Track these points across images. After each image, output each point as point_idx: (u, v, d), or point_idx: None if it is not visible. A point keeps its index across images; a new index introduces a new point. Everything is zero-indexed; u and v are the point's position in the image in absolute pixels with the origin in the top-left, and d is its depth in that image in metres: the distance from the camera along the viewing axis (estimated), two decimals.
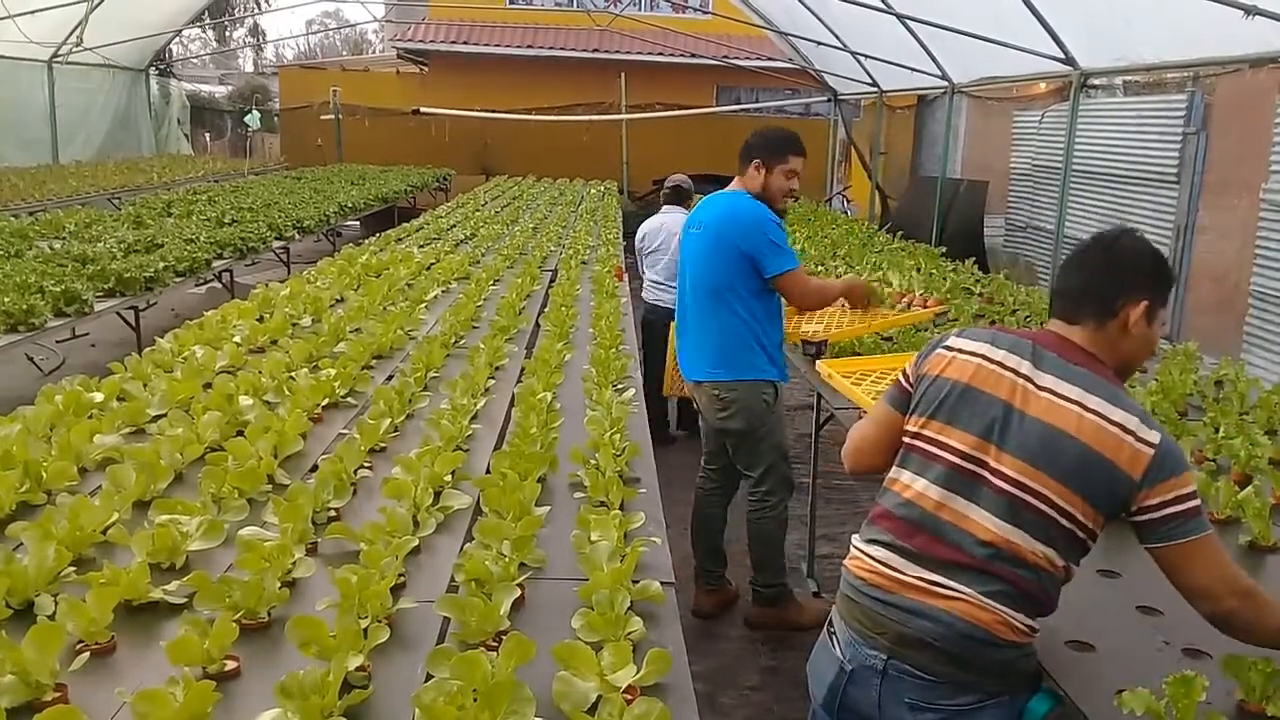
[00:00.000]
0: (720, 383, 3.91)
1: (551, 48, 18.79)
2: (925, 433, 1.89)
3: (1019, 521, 1.78)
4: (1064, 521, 1.78)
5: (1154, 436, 1.76)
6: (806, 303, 4.04)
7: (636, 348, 4.75)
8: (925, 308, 4.34)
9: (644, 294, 6.56)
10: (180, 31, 19.95)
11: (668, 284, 6.13)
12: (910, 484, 1.90)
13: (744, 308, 3.84)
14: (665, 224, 6.45)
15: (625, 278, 6.60)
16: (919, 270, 6.99)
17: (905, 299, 4.38)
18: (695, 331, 3.97)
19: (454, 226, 9.21)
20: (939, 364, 1.92)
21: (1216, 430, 3.53)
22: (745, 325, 3.87)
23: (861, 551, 1.94)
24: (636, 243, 6.68)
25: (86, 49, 13.69)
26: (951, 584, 1.81)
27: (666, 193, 6.78)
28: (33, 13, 11.87)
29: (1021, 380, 1.82)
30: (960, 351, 1.91)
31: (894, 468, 1.96)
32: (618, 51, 18.07)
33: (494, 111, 16.34)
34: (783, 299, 3.96)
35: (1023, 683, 1.87)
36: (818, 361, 3.90)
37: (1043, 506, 1.77)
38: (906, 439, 1.93)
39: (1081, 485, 1.76)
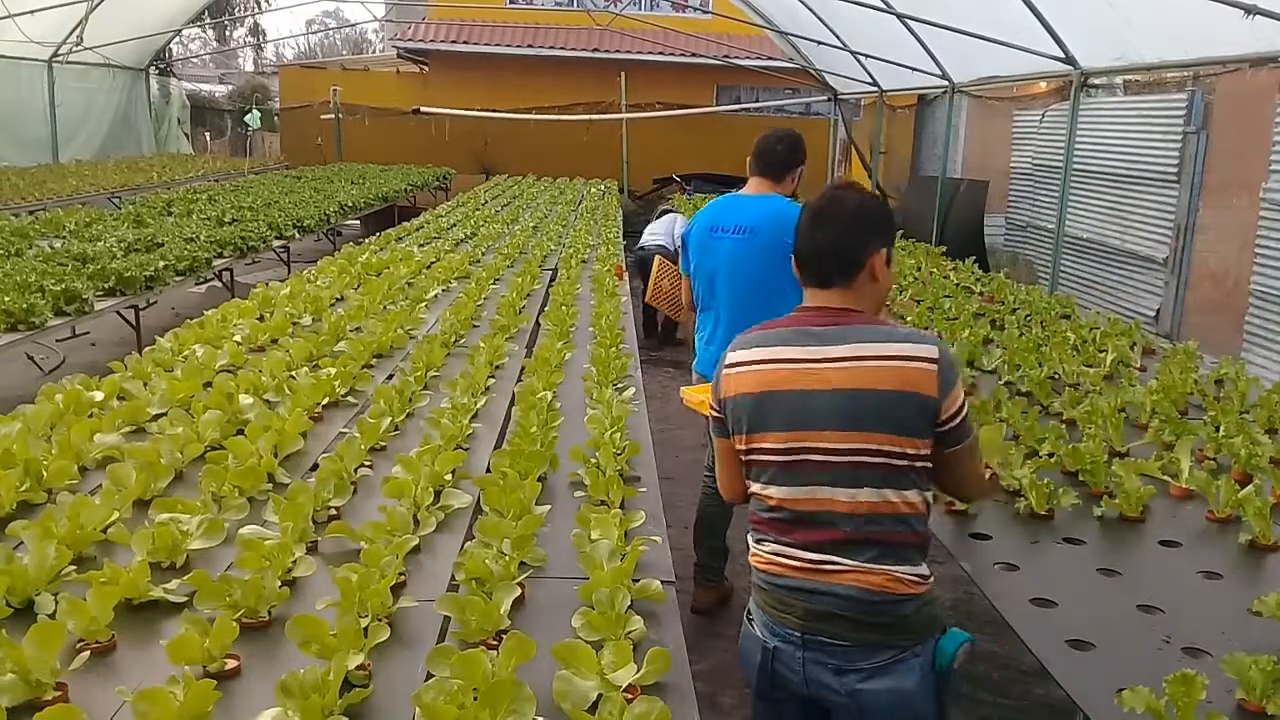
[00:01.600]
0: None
1: (551, 47, 18.78)
2: (751, 446, 1.99)
3: (861, 481, 1.90)
4: (899, 462, 1.89)
5: (930, 350, 1.89)
6: None
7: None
8: None
9: (641, 244, 8.78)
10: (180, 31, 19.96)
11: (661, 236, 8.71)
12: (764, 491, 2.00)
13: (784, 308, 3.86)
14: (665, 220, 8.96)
15: (625, 276, 6.60)
16: (919, 269, 7.00)
17: None
18: (736, 331, 3.91)
19: (454, 225, 9.21)
20: (730, 384, 2.02)
21: (1217, 429, 3.53)
22: None
23: (757, 550, 2.05)
24: (647, 231, 9.05)
25: (86, 48, 13.69)
26: (836, 559, 1.91)
27: (664, 212, 9.43)
28: (33, 12, 11.87)
29: (801, 365, 1.94)
30: (738, 365, 2.02)
31: (750, 482, 2.06)
32: (618, 51, 18.06)
33: (494, 111, 16.34)
34: None
35: (930, 630, 1.95)
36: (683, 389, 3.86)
37: (873, 459, 1.89)
38: (744, 458, 2.04)
39: (897, 425, 1.88)
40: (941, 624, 1.97)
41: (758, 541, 2.04)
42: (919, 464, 1.91)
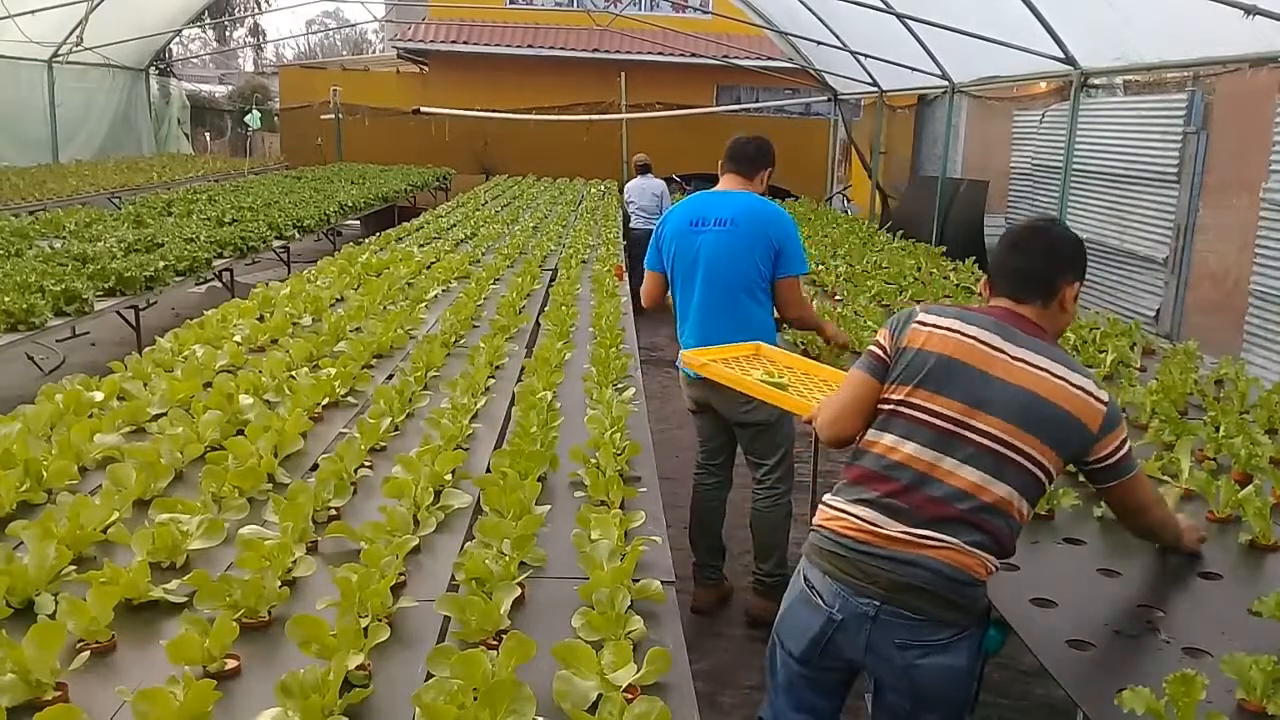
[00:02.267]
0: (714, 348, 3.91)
1: (551, 47, 18.78)
2: (912, 399, 2.07)
3: (1002, 475, 2.02)
4: (1037, 471, 2.03)
5: (1105, 396, 2.07)
6: (799, 311, 4.06)
7: (625, 255, 7.92)
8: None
9: (631, 224, 10.23)
10: (180, 31, 19.96)
11: (647, 215, 10.03)
12: (896, 446, 2.07)
13: (766, 301, 3.95)
14: (640, 184, 10.47)
15: (625, 277, 6.60)
16: (919, 269, 7.00)
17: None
18: (718, 327, 3.92)
19: (454, 226, 9.21)
20: (918, 337, 2.10)
21: (1217, 429, 3.53)
22: (768, 318, 3.99)
23: (845, 511, 2.10)
24: (625, 196, 10.62)
25: (86, 49, 13.70)
26: (940, 535, 2.00)
27: (639, 167, 10.83)
28: (33, 12, 11.87)
29: (995, 352, 2.05)
30: (935, 327, 2.11)
31: (872, 431, 2.13)
32: (618, 51, 18.06)
33: (494, 111, 16.34)
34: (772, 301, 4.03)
35: (984, 615, 2.10)
36: (681, 353, 3.87)
37: (1022, 460, 2.02)
38: (888, 405, 2.11)
39: (1054, 439, 2.02)
40: (990, 611, 2.10)
41: (851, 502, 2.09)
42: (1047, 482, 2.07)
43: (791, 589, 2.21)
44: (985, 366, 2.03)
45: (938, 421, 2.04)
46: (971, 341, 2.06)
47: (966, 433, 2.02)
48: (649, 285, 4.22)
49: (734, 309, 3.94)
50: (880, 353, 2.15)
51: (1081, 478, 3.09)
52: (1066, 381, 2.03)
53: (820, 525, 2.14)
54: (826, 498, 2.18)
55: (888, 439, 2.08)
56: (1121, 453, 2.09)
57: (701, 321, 4.00)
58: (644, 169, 10.71)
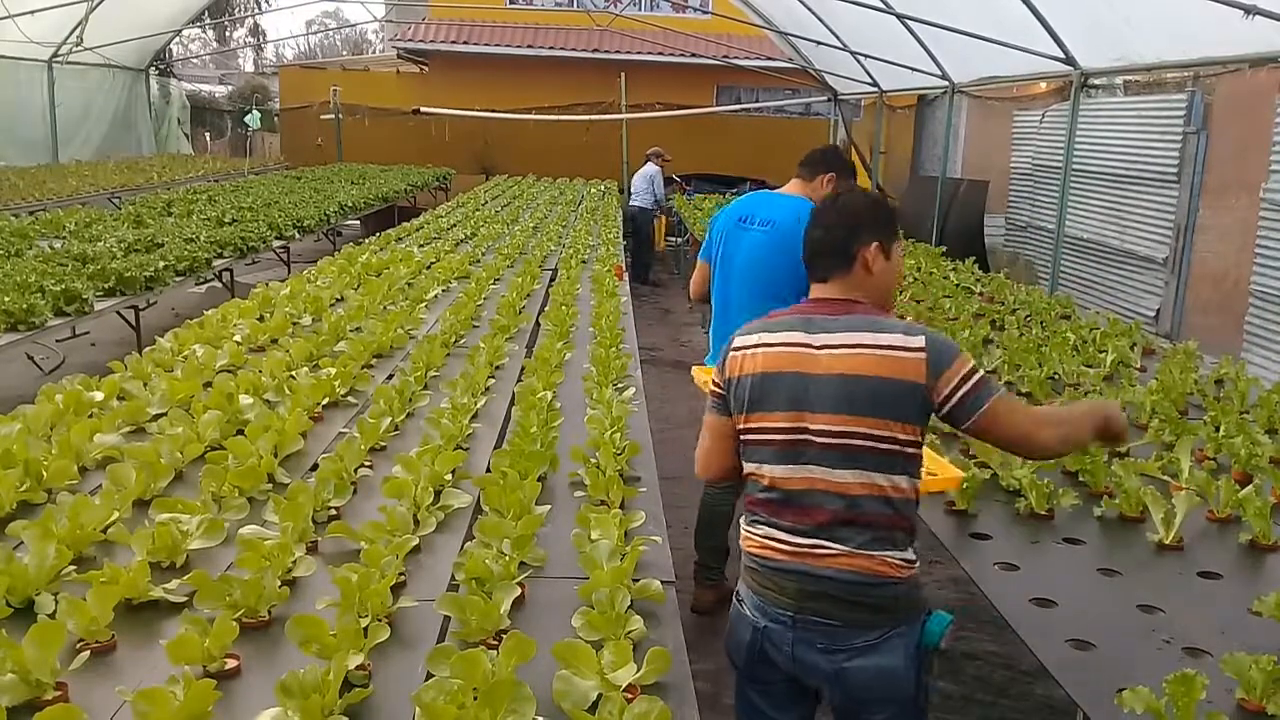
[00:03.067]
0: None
1: (551, 48, 18.77)
2: (750, 425, 2.09)
3: (854, 463, 1.99)
4: (887, 446, 1.98)
5: (919, 340, 1.99)
6: None
7: (624, 233, 10.05)
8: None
9: (634, 201, 12.14)
10: (180, 31, 19.95)
11: (646, 196, 12.09)
12: (760, 471, 2.09)
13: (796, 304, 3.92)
14: (644, 171, 12.18)
15: (625, 276, 6.60)
16: (919, 269, 7.00)
17: None
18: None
19: (454, 226, 9.21)
20: (735, 364, 2.12)
21: (1217, 429, 3.53)
22: None
23: (750, 533, 2.13)
24: (631, 185, 12.36)
25: (86, 49, 13.69)
26: (827, 543, 2.00)
27: (650, 156, 12.38)
28: (33, 13, 11.87)
29: (802, 349, 2.05)
30: (745, 349, 2.12)
31: (745, 462, 2.15)
32: (618, 51, 18.04)
33: (494, 111, 16.33)
34: None
35: (915, 612, 2.04)
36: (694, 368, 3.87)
37: (865, 442, 1.98)
38: (742, 437, 2.12)
39: (887, 410, 1.97)
40: (926, 606, 2.06)
41: (751, 524, 2.13)
42: (909, 450, 2.00)
43: (732, 607, 2.23)
44: (798, 367, 2.03)
45: (777, 437, 2.04)
46: (779, 349, 2.06)
47: (805, 437, 2.01)
48: (698, 276, 4.20)
49: (763, 312, 3.92)
50: (717, 388, 2.17)
51: (1081, 476, 3.13)
52: (874, 347, 1.99)
53: (741, 546, 2.18)
54: (741, 520, 2.21)
55: (751, 466, 2.10)
56: (965, 387, 1.96)
57: (729, 319, 3.97)
58: (649, 157, 12.28)
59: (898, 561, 2.00)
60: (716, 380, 2.17)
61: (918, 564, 2.04)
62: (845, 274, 2.11)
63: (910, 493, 2.03)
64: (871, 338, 2.00)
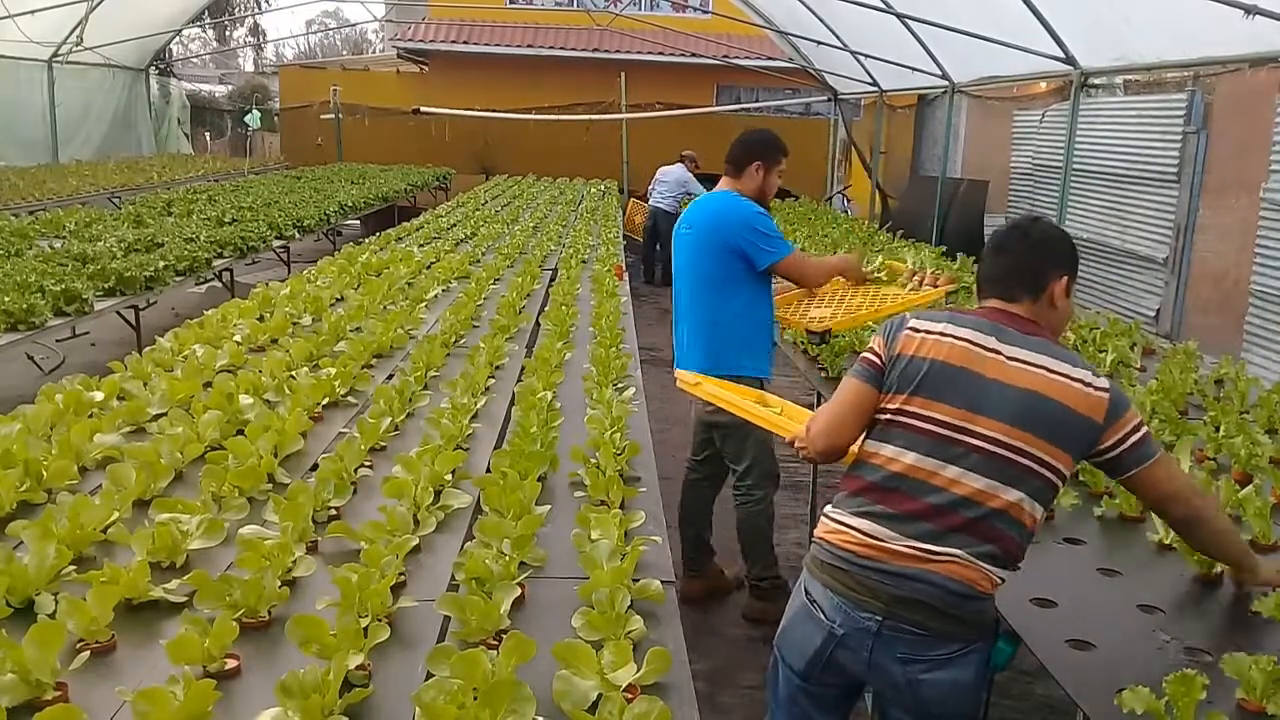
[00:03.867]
0: (726, 379, 3.91)
1: (551, 47, 18.76)
2: (909, 408, 2.03)
3: (1008, 479, 1.96)
4: (1045, 472, 1.97)
5: (1105, 384, 2.01)
6: (814, 280, 4.06)
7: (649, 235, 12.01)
8: (936, 286, 4.30)
9: (655, 203, 11.87)
10: (180, 31, 19.95)
11: (663, 196, 11.76)
12: (897, 457, 2.02)
13: (733, 306, 3.93)
14: (673, 172, 11.88)
15: (625, 276, 6.60)
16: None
17: (916, 277, 4.36)
18: (688, 328, 4.03)
19: (454, 226, 9.21)
20: (910, 344, 2.06)
21: (1217, 429, 3.53)
22: (735, 322, 3.92)
23: (845, 525, 2.05)
24: (654, 185, 12.12)
25: (86, 48, 13.69)
26: (943, 548, 1.95)
27: (683, 158, 12.06)
28: (33, 12, 11.86)
29: (990, 353, 2.01)
30: (927, 332, 2.06)
31: (870, 442, 2.09)
32: (618, 51, 18.04)
33: (494, 111, 16.33)
34: (791, 284, 4.04)
35: (991, 628, 2.04)
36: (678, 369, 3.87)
37: (1026, 461, 1.96)
38: (886, 415, 2.07)
39: (1058, 436, 1.97)
40: (998, 624, 2.04)
41: (851, 513, 2.05)
42: (1057, 480, 2.00)
43: (792, 603, 2.16)
44: (981, 369, 1.99)
45: (936, 429, 1.99)
46: (965, 344, 2.02)
47: (967, 438, 1.97)
48: None
49: (701, 313, 3.97)
50: (876, 359, 2.10)
51: (1081, 476, 3.13)
52: (1064, 376, 1.98)
53: (821, 538, 2.10)
54: (827, 509, 2.13)
55: (888, 450, 2.03)
56: (1134, 439, 1.99)
57: (677, 321, 4.11)
58: (681, 159, 12.11)
59: (998, 579, 1.99)
60: (878, 351, 2.11)
61: (1004, 584, 2.03)
62: (1033, 301, 2.10)
63: (1038, 521, 2.02)
64: (1062, 366, 2.00)
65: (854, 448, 2.17)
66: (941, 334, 2.04)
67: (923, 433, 2.00)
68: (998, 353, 2.01)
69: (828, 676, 2.05)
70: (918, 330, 2.07)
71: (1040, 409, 1.96)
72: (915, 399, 2.01)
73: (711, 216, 3.95)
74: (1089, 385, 1.98)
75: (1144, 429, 2.01)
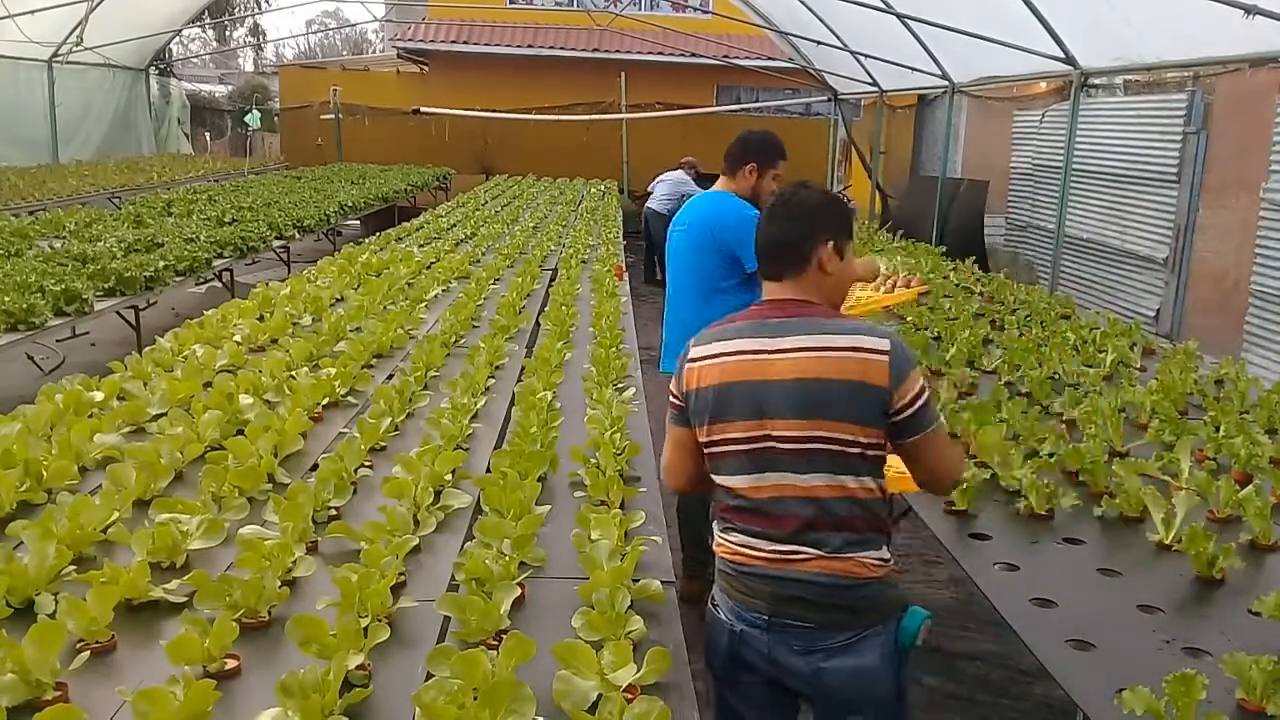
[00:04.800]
0: None
1: (551, 47, 18.76)
2: (714, 436, 2.05)
3: (819, 467, 1.96)
4: (851, 450, 1.95)
5: (884, 344, 1.95)
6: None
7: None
8: (908, 288, 4.33)
9: (650, 204, 11.62)
10: (180, 31, 19.95)
11: (658, 199, 11.42)
12: (728, 482, 2.05)
13: (724, 307, 3.89)
14: (671, 177, 11.62)
15: (625, 276, 6.60)
16: (919, 269, 6.99)
17: (890, 281, 4.39)
18: (680, 326, 4.01)
19: (454, 226, 9.21)
20: (692, 377, 2.07)
21: (1217, 429, 3.53)
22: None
23: (723, 539, 2.09)
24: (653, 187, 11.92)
25: (86, 49, 13.69)
26: (800, 549, 1.97)
27: (682, 164, 11.88)
28: (33, 12, 11.86)
29: (758, 356, 2.00)
30: (701, 359, 2.07)
31: (713, 473, 2.11)
32: (618, 51, 18.04)
33: (494, 111, 16.33)
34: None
35: (892, 610, 2.02)
36: None
37: (830, 446, 1.95)
38: (706, 448, 2.09)
39: (849, 413, 1.94)
40: (902, 604, 2.04)
41: (724, 531, 2.10)
42: (871, 452, 1.97)
43: (707, 611, 2.20)
44: (755, 375, 1.98)
45: (742, 447, 2.00)
46: (734, 358, 2.02)
47: (768, 444, 1.97)
48: None
49: (690, 311, 3.96)
50: (676, 399, 2.12)
51: (1081, 476, 3.13)
52: (835, 349, 1.94)
53: (714, 548, 2.15)
54: (713, 525, 2.17)
55: (721, 477, 2.06)
56: (916, 405, 1.95)
57: (669, 322, 4.09)
58: (681, 165, 11.98)
59: (872, 561, 1.97)
60: (674, 392, 2.13)
61: (892, 562, 2.01)
62: (799, 274, 2.06)
63: (879, 491, 2.00)
64: (829, 339, 1.96)
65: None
66: (712, 356, 2.05)
67: (734, 455, 2.02)
68: (762, 351, 1.99)
69: (741, 675, 2.09)
70: (695, 361, 2.08)
71: (818, 393, 1.93)
72: (714, 426, 2.03)
73: (702, 216, 3.94)
74: (864, 350, 1.93)
75: (927, 394, 1.97)
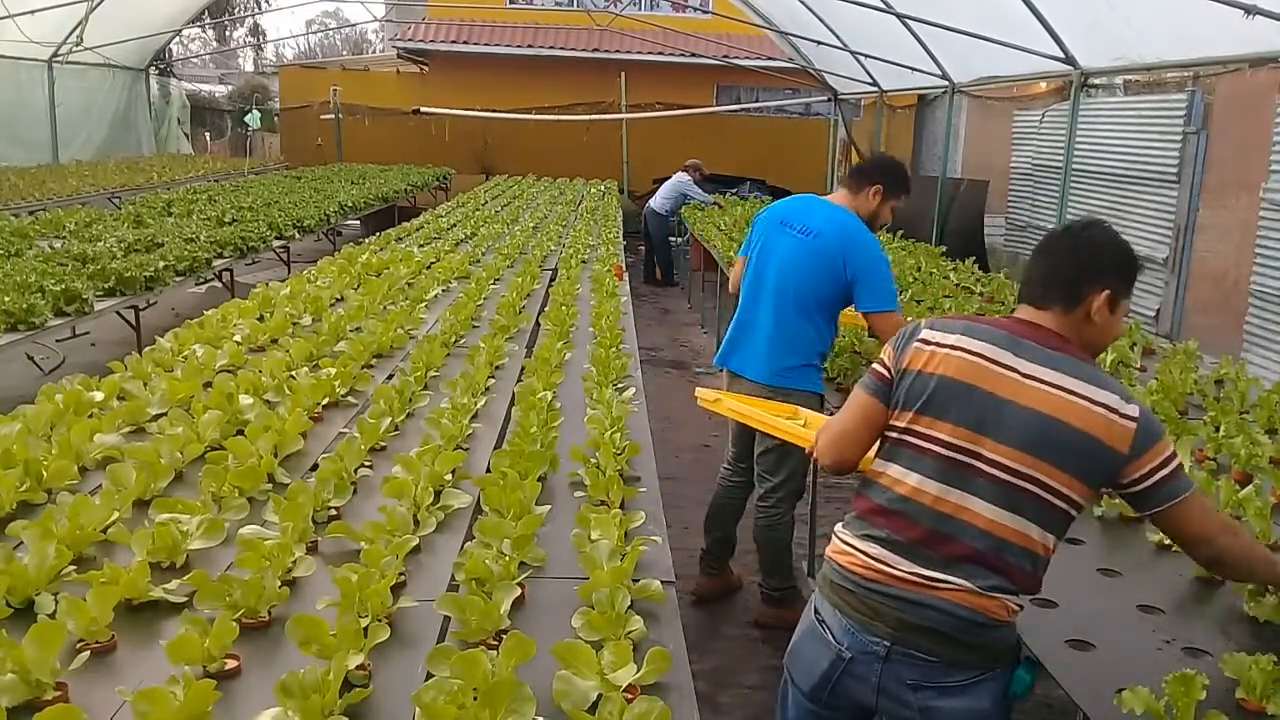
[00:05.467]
0: (782, 389, 3.84)
1: (551, 47, 18.76)
2: (915, 427, 1.93)
3: (1017, 508, 1.85)
4: (1059, 502, 1.85)
5: (1134, 410, 1.85)
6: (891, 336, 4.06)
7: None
8: None
9: (650, 203, 12.07)
10: (180, 31, 19.95)
11: (659, 199, 11.97)
12: (902, 478, 1.93)
13: (820, 322, 3.87)
14: (673, 180, 11.99)
15: (625, 276, 6.60)
16: (919, 269, 6.99)
17: None
18: (767, 333, 3.88)
19: (454, 226, 9.20)
20: (919, 358, 1.95)
21: (1217, 429, 3.53)
22: (817, 339, 3.89)
23: (853, 546, 1.98)
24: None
25: (86, 49, 13.69)
26: (948, 576, 1.87)
27: (686, 166, 12.05)
28: (33, 12, 11.86)
29: (1005, 370, 1.88)
30: (938, 345, 1.94)
31: (879, 461, 2.00)
32: (618, 51, 18.04)
33: (494, 111, 16.34)
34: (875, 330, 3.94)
35: (1010, 655, 1.96)
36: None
37: (1039, 491, 1.84)
38: (894, 433, 1.97)
39: (1075, 465, 1.83)
40: (1019, 651, 1.96)
41: (857, 536, 1.97)
42: (1073, 511, 1.89)
43: (802, 621, 2.09)
44: (993, 387, 1.86)
45: (941, 450, 1.88)
46: (977, 359, 1.89)
47: (975, 461, 1.86)
48: (736, 271, 4.21)
49: (782, 320, 3.88)
50: (884, 371, 2.00)
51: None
52: (1086, 399, 1.82)
53: (830, 557, 2.03)
54: (837, 528, 2.06)
55: (894, 470, 1.94)
56: (1162, 474, 1.83)
57: (753, 317, 3.98)
58: (684, 168, 12.16)
59: (1015, 606, 1.90)
60: (887, 364, 2.00)
61: (1023, 609, 1.95)
62: (1066, 311, 1.93)
63: (1051, 551, 1.91)
64: (1085, 387, 1.84)
65: (869, 458, 2.09)
66: (953, 347, 1.92)
67: (927, 454, 1.90)
68: (1013, 369, 1.87)
69: (836, 700, 1.99)
70: (928, 343, 1.95)
71: (1053, 434, 1.82)
72: (921, 417, 1.91)
73: (833, 235, 3.75)
74: (1114, 411, 1.82)
75: (1174, 463, 1.86)
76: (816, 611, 2.04)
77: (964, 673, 1.89)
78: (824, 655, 1.98)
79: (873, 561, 1.93)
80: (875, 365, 2.04)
